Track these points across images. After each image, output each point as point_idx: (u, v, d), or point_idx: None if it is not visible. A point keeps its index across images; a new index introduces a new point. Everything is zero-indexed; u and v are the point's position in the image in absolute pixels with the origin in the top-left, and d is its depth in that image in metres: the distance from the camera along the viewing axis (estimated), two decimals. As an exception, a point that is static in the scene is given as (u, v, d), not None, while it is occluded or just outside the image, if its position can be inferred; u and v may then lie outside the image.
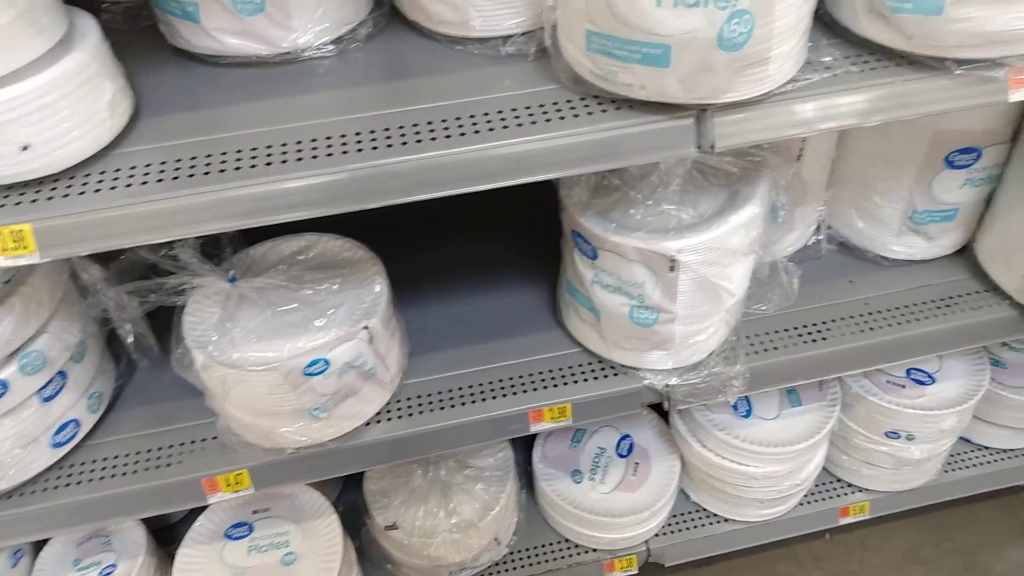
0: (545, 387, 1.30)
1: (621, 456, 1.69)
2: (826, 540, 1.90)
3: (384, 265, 1.23)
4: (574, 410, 1.30)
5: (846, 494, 1.76)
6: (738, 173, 1.15)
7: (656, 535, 1.70)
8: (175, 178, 0.91)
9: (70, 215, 0.87)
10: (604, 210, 1.16)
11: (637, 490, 1.64)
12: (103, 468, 1.22)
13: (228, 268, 1.17)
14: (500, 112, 0.97)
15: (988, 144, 1.29)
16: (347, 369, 1.13)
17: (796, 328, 1.38)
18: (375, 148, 0.93)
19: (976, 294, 1.42)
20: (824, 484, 1.78)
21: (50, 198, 0.88)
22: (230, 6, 1.01)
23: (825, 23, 1.06)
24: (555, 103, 0.98)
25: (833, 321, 1.38)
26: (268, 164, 0.92)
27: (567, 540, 1.70)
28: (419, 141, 0.93)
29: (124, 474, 1.21)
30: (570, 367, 1.33)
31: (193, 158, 0.93)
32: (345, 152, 0.92)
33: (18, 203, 0.88)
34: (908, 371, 1.62)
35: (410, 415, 1.27)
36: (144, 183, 0.90)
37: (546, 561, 1.68)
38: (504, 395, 1.30)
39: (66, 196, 0.88)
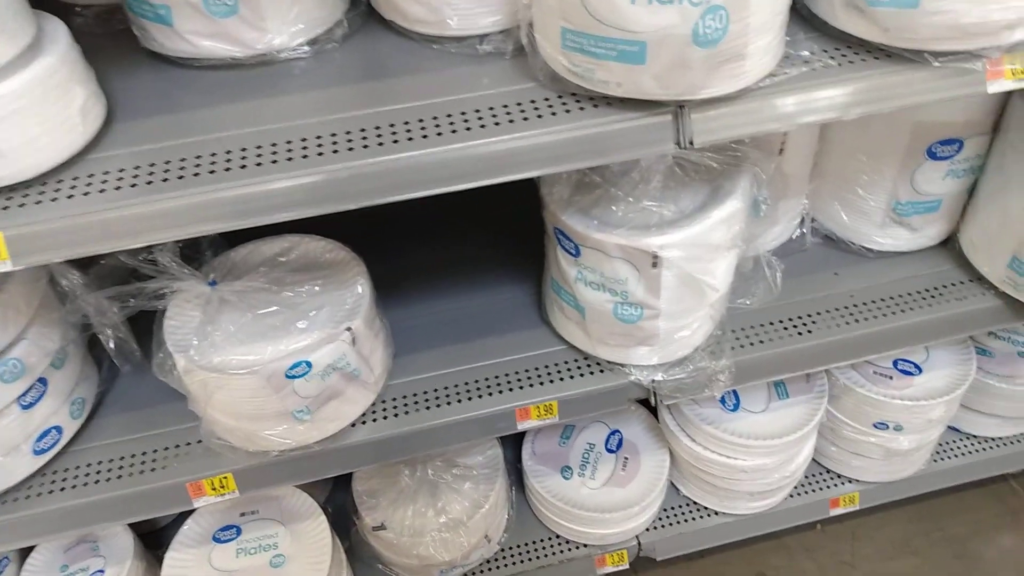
0: (531, 385, 1.30)
1: (610, 451, 1.69)
2: (817, 531, 1.90)
3: (367, 266, 1.22)
4: (561, 407, 1.30)
5: (836, 485, 1.77)
6: (719, 168, 1.15)
7: (647, 529, 1.70)
8: (150, 182, 0.90)
9: (43, 222, 0.86)
10: (586, 207, 1.16)
11: (627, 485, 1.64)
12: (87, 474, 1.21)
13: (208, 271, 1.16)
14: (478, 111, 0.97)
15: (969, 135, 1.29)
16: (330, 371, 1.13)
17: (782, 321, 1.38)
18: (351, 149, 0.92)
19: (961, 284, 1.42)
20: (814, 476, 1.78)
21: (22, 205, 0.87)
22: (202, 8, 1.00)
23: (802, 16, 1.06)
24: (533, 101, 0.98)
25: (819, 313, 1.39)
26: (243, 167, 0.91)
27: (558, 536, 1.70)
28: (396, 142, 0.93)
29: (108, 480, 1.20)
30: (556, 364, 1.33)
31: (168, 162, 0.93)
32: (321, 154, 0.92)
33: (-10, 211, 0.87)
34: (895, 362, 1.62)
35: (396, 416, 1.27)
36: (119, 188, 0.89)
37: (537, 557, 1.68)
38: (490, 394, 1.29)
39: (39, 203, 0.87)
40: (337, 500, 1.68)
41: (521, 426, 1.30)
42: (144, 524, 1.46)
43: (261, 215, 0.91)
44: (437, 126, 0.95)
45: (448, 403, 1.28)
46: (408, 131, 0.94)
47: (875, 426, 1.61)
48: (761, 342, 1.34)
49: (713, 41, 0.86)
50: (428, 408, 1.27)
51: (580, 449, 1.69)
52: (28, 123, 0.85)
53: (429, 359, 1.35)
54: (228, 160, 0.92)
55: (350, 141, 0.93)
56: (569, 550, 1.68)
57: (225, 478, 1.22)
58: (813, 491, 1.76)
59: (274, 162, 0.91)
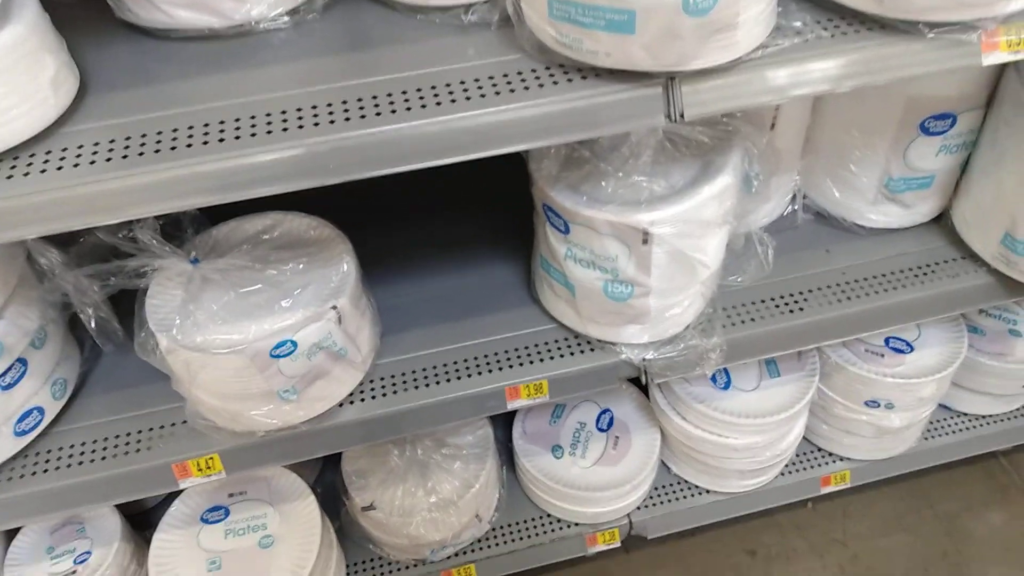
0: (521, 364, 1.29)
1: (601, 430, 1.68)
2: (808, 509, 1.91)
3: (353, 243, 1.20)
4: (551, 386, 1.29)
5: (827, 463, 1.77)
6: (710, 143, 1.13)
7: (638, 508, 1.70)
8: (126, 156, 0.87)
9: (15, 197, 0.83)
10: (575, 183, 1.14)
11: (618, 464, 1.64)
12: (70, 456, 1.19)
13: (190, 249, 1.14)
14: (463, 83, 0.94)
15: (963, 110, 1.27)
16: (316, 350, 1.11)
17: (773, 299, 1.36)
18: (333, 122, 0.89)
19: (953, 261, 1.41)
20: (805, 454, 1.78)
21: (-8, 180, 0.85)
22: (179, -23, 0.97)
23: (795, -14, 1.04)
24: (519, 73, 0.95)
25: (810, 291, 1.37)
26: (222, 141, 0.88)
27: (549, 515, 1.70)
28: (379, 114, 0.90)
29: (92, 461, 1.19)
30: (546, 343, 1.32)
31: (145, 135, 0.90)
32: (302, 127, 0.89)
33: (-42, 186, 0.85)
34: (887, 340, 1.61)
35: (384, 395, 1.25)
36: (93, 162, 0.87)
37: (528, 536, 1.68)
38: (480, 373, 1.28)
39: (10, 178, 0.85)
40: (326, 480, 1.67)
41: (511, 405, 1.29)
42: (131, 505, 1.45)
43: (241, 190, 0.89)
44: (421, 98, 0.92)
45: (437, 382, 1.27)
46: (391, 103, 0.92)
47: (866, 404, 1.61)
48: (752, 320, 1.33)
49: (704, 10, 0.84)
50: (417, 387, 1.26)
51: (571, 428, 1.69)
52: (-4, 95, 0.82)
53: (417, 338, 1.33)
54: (206, 133, 0.90)
55: (332, 114, 0.91)
56: (560, 529, 1.68)
57: (211, 459, 1.20)
58: (804, 469, 1.76)
59: (253, 135, 0.89)
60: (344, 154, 0.89)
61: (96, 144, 0.89)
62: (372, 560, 1.65)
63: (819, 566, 1.81)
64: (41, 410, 1.18)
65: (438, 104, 0.91)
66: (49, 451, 1.20)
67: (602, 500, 1.62)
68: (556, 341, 1.32)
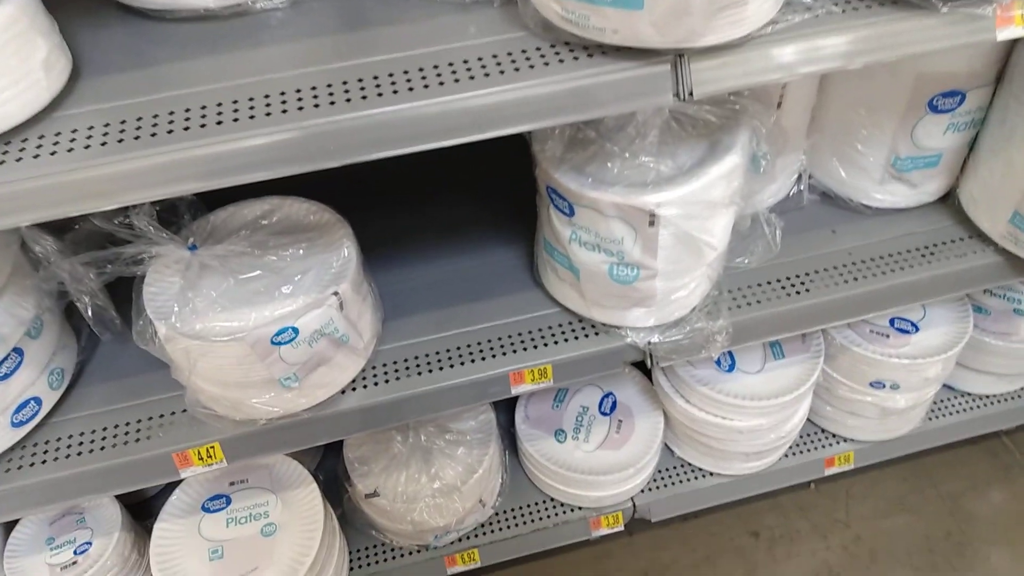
0: (525, 348, 1.27)
1: (604, 414, 1.67)
2: (812, 491, 1.90)
3: (354, 228, 1.18)
4: (555, 371, 1.27)
5: (831, 445, 1.76)
6: (717, 122, 1.11)
7: (641, 491, 1.70)
8: (120, 141, 0.85)
9: (7, 183, 0.81)
10: (579, 164, 1.11)
11: (621, 447, 1.63)
12: (69, 446, 1.18)
13: (188, 235, 1.12)
14: (466, 62, 0.92)
15: (972, 87, 1.25)
16: (317, 337, 1.09)
17: (779, 280, 1.35)
18: (332, 104, 0.87)
19: (960, 241, 1.40)
20: (809, 435, 1.78)
21: (-15, 166, 0.83)
22: (173, -45, 0.95)
23: (806, -40, 1.01)
24: (524, 51, 0.93)
25: (816, 272, 1.36)
26: (219, 123, 0.86)
27: (552, 499, 1.69)
28: (380, 95, 0.88)
29: (91, 451, 1.17)
30: (550, 327, 1.30)
31: (139, 119, 0.87)
32: (301, 109, 0.87)
33: (-52, 173, 0.83)
34: (892, 320, 1.60)
35: (386, 382, 1.24)
36: (87, 147, 0.85)
37: (532, 521, 1.67)
38: (483, 358, 1.26)
39: (2, 163, 0.83)
40: (328, 467, 1.66)
41: (515, 390, 1.28)
42: (132, 495, 1.44)
43: (238, 174, 0.86)
44: (423, 78, 0.90)
45: (440, 368, 1.25)
46: (392, 84, 0.89)
47: (871, 385, 1.60)
48: (758, 302, 1.32)
49: (714, -16, 0.81)
50: (419, 373, 1.24)
51: (574, 412, 1.68)
52: (-14, 78, 0.80)
53: (419, 323, 1.31)
54: (203, 116, 0.87)
55: (331, 95, 0.88)
56: (564, 513, 1.67)
57: (212, 447, 1.19)
58: (808, 451, 1.76)
59: (251, 118, 0.86)
60: (343, 137, 0.86)
61: (90, 128, 0.87)
62: (375, 546, 1.64)
63: (822, 547, 1.81)
64: (38, 400, 1.17)
65: (440, 84, 0.89)
66: (47, 442, 1.18)
67: (605, 484, 1.61)
68: (560, 325, 1.30)
